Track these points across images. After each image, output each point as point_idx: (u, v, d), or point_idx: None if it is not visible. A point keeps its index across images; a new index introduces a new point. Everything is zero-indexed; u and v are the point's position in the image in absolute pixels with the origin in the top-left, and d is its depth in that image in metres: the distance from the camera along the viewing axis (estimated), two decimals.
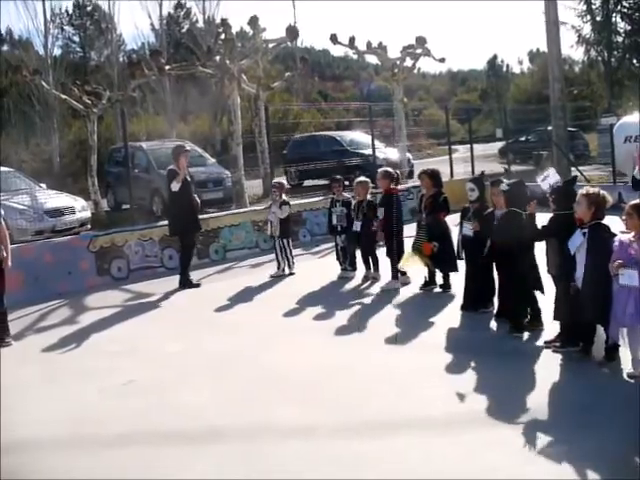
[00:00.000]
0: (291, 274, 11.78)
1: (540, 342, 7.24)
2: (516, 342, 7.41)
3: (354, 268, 11.40)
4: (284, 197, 12.03)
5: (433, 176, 10.00)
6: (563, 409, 5.73)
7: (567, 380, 6.36)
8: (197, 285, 11.48)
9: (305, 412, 6.01)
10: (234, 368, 7.35)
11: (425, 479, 4.71)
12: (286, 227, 11.92)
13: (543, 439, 5.14)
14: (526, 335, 7.55)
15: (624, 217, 6.21)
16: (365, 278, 10.99)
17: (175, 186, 11.07)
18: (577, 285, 6.55)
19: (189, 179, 11.43)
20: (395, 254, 10.27)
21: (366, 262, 11.02)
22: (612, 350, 6.53)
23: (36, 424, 6.14)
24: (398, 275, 10.35)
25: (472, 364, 6.87)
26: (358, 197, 11.02)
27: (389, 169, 10.70)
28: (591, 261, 6.34)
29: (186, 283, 11.41)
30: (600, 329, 6.69)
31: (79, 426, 6.06)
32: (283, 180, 13.24)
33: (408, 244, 10.28)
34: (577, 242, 6.44)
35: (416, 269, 9.98)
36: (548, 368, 6.59)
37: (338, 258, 11.62)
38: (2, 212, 9.02)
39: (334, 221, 11.52)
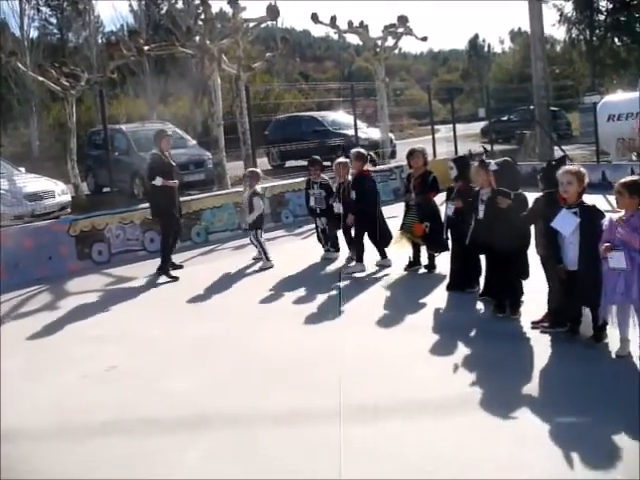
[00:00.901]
0: (269, 267, 11.02)
1: (527, 323, 7.17)
2: (504, 323, 7.33)
3: (337, 249, 11.29)
4: (256, 188, 11.37)
5: (424, 155, 9.92)
6: (553, 390, 5.66)
7: (556, 361, 6.28)
8: (175, 278, 10.80)
9: (293, 397, 5.90)
10: (218, 353, 7.23)
11: (418, 463, 4.64)
12: (257, 218, 11.17)
13: (534, 421, 5.08)
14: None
15: (615, 196, 6.12)
16: (349, 259, 10.83)
17: (158, 181, 10.71)
18: (566, 267, 6.47)
19: (172, 163, 11.08)
20: (377, 237, 10.19)
21: (349, 243, 10.87)
22: (600, 330, 6.47)
23: (19, 413, 6.00)
24: (380, 257, 10.29)
25: (460, 345, 6.79)
26: (339, 178, 10.70)
27: (362, 150, 10.52)
28: (587, 244, 6.25)
29: (165, 272, 10.91)
30: (586, 309, 6.63)
31: (63, 414, 5.93)
32: (257, 169, 12.46)
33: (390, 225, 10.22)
34: (572, 224, 6.34)
35: (403, 251, 9.91)
36: (536, 349, 6.53)
37: (320, 240, 11.46)
38: None
39: (312, 203, 11.30)
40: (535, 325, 7.02)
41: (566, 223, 6.37)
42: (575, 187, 6.35)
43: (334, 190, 10.90)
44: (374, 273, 10.04)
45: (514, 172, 7.60)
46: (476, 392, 5.68)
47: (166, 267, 10.91)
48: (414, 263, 10.00)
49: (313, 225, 11.80)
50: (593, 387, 5.62)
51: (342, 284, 9.61)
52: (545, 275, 6.97)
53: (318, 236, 11.46)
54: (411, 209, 9.87)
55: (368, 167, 10.51)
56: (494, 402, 5.43)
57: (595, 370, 6.00)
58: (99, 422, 5.69)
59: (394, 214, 10.44)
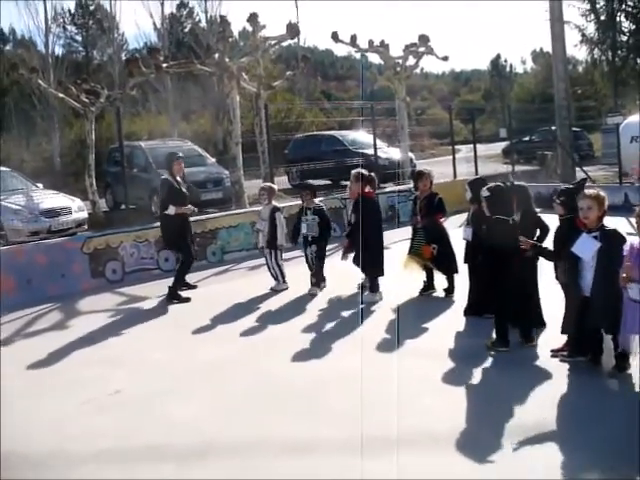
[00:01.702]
0: (284, 289, 10.75)
1: (546, 351, 6.93)
2: (521, 350, 7.07)
3: (318, 283, 10.56)
4: (274, 203, 11.07)
5: (430, 176, 9.74)
6: (571, 424, 5.44)
7: (575, 392, 6.05)
8: (187, 299, 10.54)
9: (299, 425, 5.72)
10: (226, 379, 7.04)
11: None
12: (276, 236, 10.78)
13: (550, 458, 4.85)
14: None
15: (635, 220, 5.92)
16: (361, 287, 10.13)
17: (171, 210, 10.45)
18: (583, 293, 6.26)
19: (184, 190, 10.77)
20: (374, 265, 9.70)
21: (363, 270, 9.99)
22: (622, 359, 6.24)
23: (19, 437, 5.85)
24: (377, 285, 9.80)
25: (474, 374, 6.58)
26: (352, 197, 10.03)
27: (363, 171, 9.87)
28: (603, 268, 6.05)
29: (175, 296, 10.56)
30: (608, 338, 6.39)
31: (62, 440, 5.77)
32: (273, 184, 12.21)
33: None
34: (592, 249, 6.14)
35: (416, 274, 9.69)
36: (555, 379, 6.29)
37: (311, 269, 10.67)
38: None
39: (304, 230, 10.61)
40: (555, 353, 6.80)
41: (586, 248, 6.17)
42: (595, 212, 6.17)
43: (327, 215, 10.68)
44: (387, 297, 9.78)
45: (506, 198, 7.37)
46: (488, 425, 5.46)
47: (175, 291, 10.62)
48: (428, 287, 9.78)
49: (330, 246, 11.39)
50: (614, 422, 5.37)
51: (354, 309, 9.36)
52: (566, 304, 6.74)
53: (309, 266, 10.74)
54: (418, 232, 9.69)
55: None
56: (507, 436, 5.20)
57: (616, 403, 5.77)
58: (98, 449, 5.52)
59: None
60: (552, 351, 6.84)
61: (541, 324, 7.62)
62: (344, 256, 10.10)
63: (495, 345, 7.18)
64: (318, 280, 10.57)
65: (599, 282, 6.09)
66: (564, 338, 6.75)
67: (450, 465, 4.85)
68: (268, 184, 12.03)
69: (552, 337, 7.12)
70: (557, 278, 6.86)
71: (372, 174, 10.10)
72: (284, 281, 10.89)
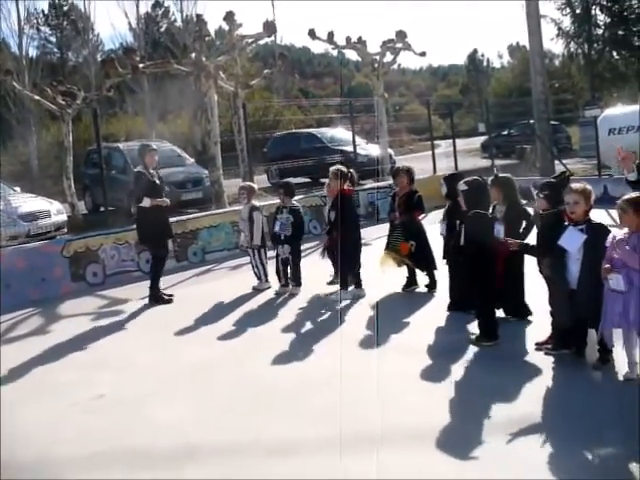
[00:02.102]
0: (266, 289, 10.65)
1: (531, 344, 6.94)
2: (505, 344, 7.07)
3: (298, 283, 10.44)
4: (253, 202, 10.96)
5: (410, 173, 9.71)
6: (557, 416, 5.42)
7: (560, 384, 6.05)
8: (169, 301, 10.47)
9: (284, 426, 5.68)
10: (211, 381, 6.97)
11: None
12: (261, 236, 10.73)
13: (537, 449, 4.84)
14: (511, 337, 7.24)
15: (618, 212, 5.92)
16: (332, 282, 10.24)
17: (146, 202, 10.19)
18: (570, 285, 6.26)
19: (158, 182, 10.49)
20: (352, 262, 9.64)
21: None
22: (606, 352, 6.24)
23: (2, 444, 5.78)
24: (361, 283, 9.81)
25: (457, 369, 6.56)
26: (331, 194, 9.91)
27: (342, 167, 9.80)
28: (590, 261, 6.05)
29: (157, 298, 10.47)
30: (592, 331, 6.40)
31: (47, 445, 5.69)
32: (253, 183, 11.97)
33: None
34: (578, 241, 6.15)
35: (393, 270, 9.66)
36: (540, 372, 6.28)
37: (278, 273, 10.53)
38: None
39: (276, 228, 10.42)
40: (539, 346, 6.80)
41: (572, 240, 6.17)
42: (582, 206, 6.16)
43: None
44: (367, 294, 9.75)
45: (485, 192, 7.38)
46: (474, 419, 5.43)
47: (156, 292, 10.50)
48: (410, 283, 9.77)
49: (310, 244, 11.37)
50: (601, 412, 5.38)
51: (335, 307, 9.29)
52: (548, 295, 6.74)
53: (277, 268, 10.53)
54: (396, 228, 9.67)
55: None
56: (494, 430, 5.19)
57: (601, 395, 5.78)
58: (83, 453, 5.46)
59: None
60: (536, 344, 6.84)
61: (528, 314, 7.65)
62: (323, 254, 10.07)
63: (479, 340, 7.18)
64: (297, 279, 10.47)
65: (585, 275, 6.09)
66: (548, 331, 6.76)
67: (433, 463, 4.82)
68: (248, 183, 11.93)
69: (536, 330, 7.13)
70: (541, 272, 6.84)
71: (351, 170, 9.99)
72: (267, 280, 10.81)
